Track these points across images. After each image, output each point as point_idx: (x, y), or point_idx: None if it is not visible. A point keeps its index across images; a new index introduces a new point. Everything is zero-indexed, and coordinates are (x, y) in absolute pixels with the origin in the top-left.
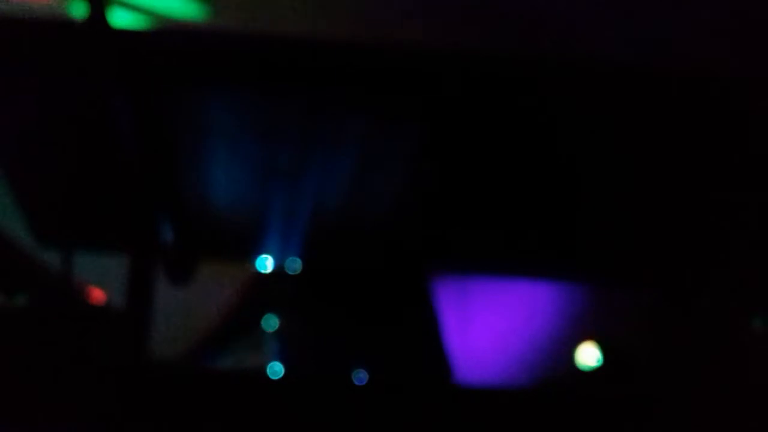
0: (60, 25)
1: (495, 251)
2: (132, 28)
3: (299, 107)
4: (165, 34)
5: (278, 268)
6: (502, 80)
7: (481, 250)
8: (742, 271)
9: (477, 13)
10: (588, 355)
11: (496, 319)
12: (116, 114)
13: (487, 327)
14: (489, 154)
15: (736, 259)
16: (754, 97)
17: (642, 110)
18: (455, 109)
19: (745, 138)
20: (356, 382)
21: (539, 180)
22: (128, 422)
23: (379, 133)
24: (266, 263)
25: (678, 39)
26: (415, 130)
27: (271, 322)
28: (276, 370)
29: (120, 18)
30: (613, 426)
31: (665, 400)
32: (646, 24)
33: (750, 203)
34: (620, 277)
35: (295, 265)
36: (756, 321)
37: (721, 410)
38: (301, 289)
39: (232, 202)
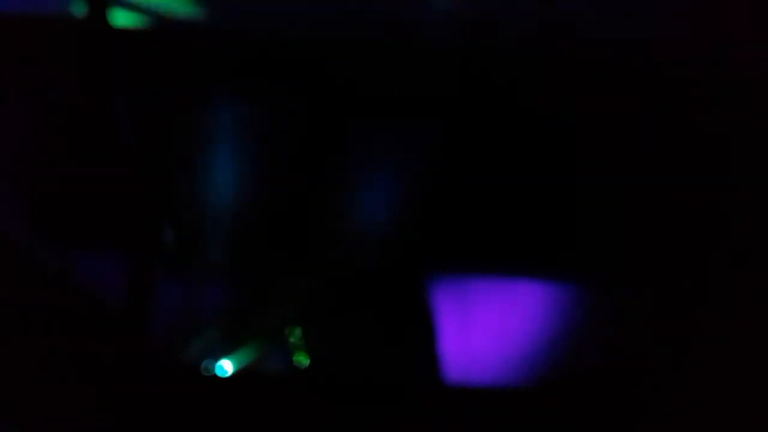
0: (60, 25)
1: (494, 251)
2: (132, 28)
3: (300, 107)
4: (165, 34)
5: (276, 273)
6: (501, 79)
7: (480, 250)
8: (743, 271)
9: (477, 10)
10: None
11: (496, 319)
12: (116, 114)
13: (487, 327)
14: (488, 153)
15: (736, 259)
16: (755, 96)
17: (642, 109)
18: (454, 108)
19: (746, 137)
20: (354, 382)
21: (539, 179)
22: (128, 422)
23: (377, 131)
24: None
25: (677, 38)
26: (413, 129)
27: (269, 323)
28: (220, 367)
29: (120, 17)
30: (613, 426)
31: (665, 401)
32: (646, 22)
33: (751, 203)
34: (620, 277)
35: None
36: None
37: (721, 411)
38: (299, 290)
39: (233, 201)
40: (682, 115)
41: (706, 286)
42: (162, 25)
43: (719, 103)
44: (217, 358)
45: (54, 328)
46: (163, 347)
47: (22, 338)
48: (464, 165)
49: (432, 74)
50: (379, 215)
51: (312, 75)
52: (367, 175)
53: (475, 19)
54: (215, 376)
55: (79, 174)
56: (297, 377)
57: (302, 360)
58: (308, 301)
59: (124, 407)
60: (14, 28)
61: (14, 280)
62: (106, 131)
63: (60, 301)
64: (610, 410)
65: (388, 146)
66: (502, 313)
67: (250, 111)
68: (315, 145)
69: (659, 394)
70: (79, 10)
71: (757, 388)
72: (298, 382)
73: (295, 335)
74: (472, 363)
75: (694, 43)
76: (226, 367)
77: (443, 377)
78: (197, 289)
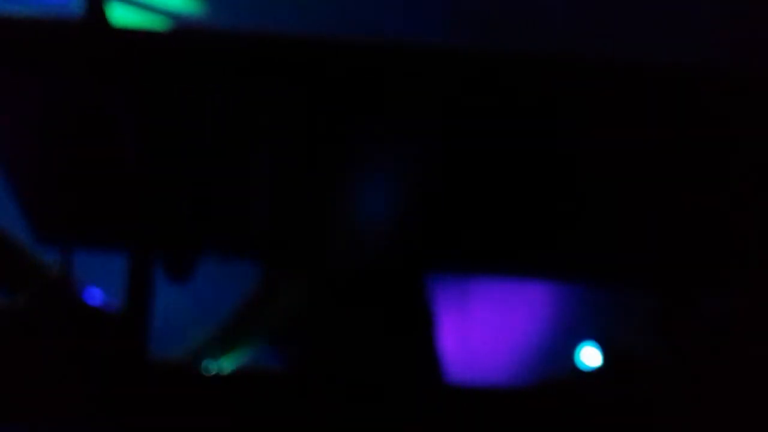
0: (60, 25)
1: (494, 251)
2: (132, 28)
3: (299, 107)
4: (165, 34)
5: (276, 272)
6: (501, 80)
7: (480, 250)
8: (743, 271)
9: (477, 11)
10: (588, 356)
11: (496, 319)
12: (116, 114)
13: (487, 327)
14: (488, 153)
15: (736, 259)
16: (754, 96)
17: (642, 110)
18: (454, 109)
19: (745, 137)
20: (356, 383)
21: (539, 180)
22: (128, 422)
23: (377, 133)
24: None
25: (677, 38)
26: (413, 129)
27: (269, 323)
28: (221, 367)
29: (120, 15)
30: (613, 426)
31: (666, 401)
32: (646, 24)
33: (751, 202)
34: (620, 277)
35: None
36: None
37: (721, 411)
38: (300, 290)
39: (233, 201)
40: (682, 115)
41: (706, 285)
42: (163, 25)
43: (719, 103)
44: (217, 358)
45: (54, 328)
46: (163, 347)
47: (22, 338)
48: (464, 165)
49: (432, 74)
50: (379, 215)
51: (313, 75)
52: (367, 175)
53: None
54: (215, 376)
55: (79, 174)
56: (297, 377)
57: (301, 360)
58: (308, 301)
59: (124, 407)
60: (15, 28)
61: (14, 280)
62: (107, 131)
63: (60, 301)
64: (610, 410)
65: (388, 146)
66: (502, 314)
67: (250, 111)
68: (315, 145)
69: (660, 394)
70: (80, 10)
71: (758, 389)
72: (298, 382)
73: (295, 335)
74: (473, 363)
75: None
76: (225, 367)
77: (443, 377)
78: (197, 289)
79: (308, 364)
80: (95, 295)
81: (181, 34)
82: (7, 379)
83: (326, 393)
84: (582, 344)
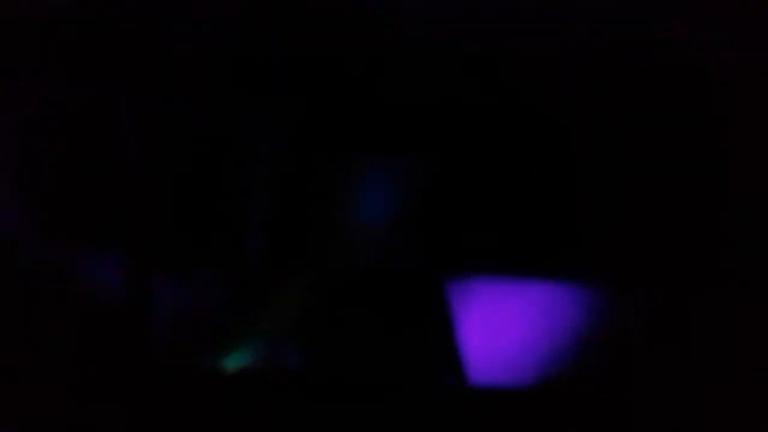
0: (60, 25)
1: (496, 252)
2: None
3: (301, 108)
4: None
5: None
6: (503, 80)
7: (482, 250)
8: (742, 271)
9: (477, 10)
10: (577, 355)
11: (497, 319)
12: (116, 114)
13: (488, 327)
14: (490, 154)
15: (736, 259)
16: (752, 96)
17: (642, 110)
18: (456, 110)
19: (744, 137)
20: (364, 383)
21: (540, 180)
22: (128, 422)
23: (381, 134)
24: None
25: (677, 37)
26: (418, 130)
27: (281, 322)
28: (221, 366)
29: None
30: (614, 426)
31: (665, 400)
32: (646, 22)
33: (750, 202)
34: (620, 277)
35: None
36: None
37: (721, 410)
38: (300, 290)
39: (234, 201)
40: (682, 113)
41: (715, 288)
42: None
43: (718, 101)
44: (218, 358)
45: (54, 327)
46: (163, 347)
47: (22, 338)
48: (476, 165)
49: (446, 75)
50: (385, 216)
51: (315, 76)
52: (374, 175)
53: (475, 18)
54: (216, 375)
55: (79, 174)
56: (296, 377)
57: (302, 359)
58: (309, 301)
59: (125, 407)
60: (14, 28)
61: (14, 280)
62: (107, 131)
63: (60, 300)
64: (610, 410)
65: (397, 146)
66: (504, 314)
67: (251, 110)
68: (322, 144)
69: (659, 393)
70: (80, 10)
71: (758, 389)
72: (297, 382)
73: (295, 335)
74: (474, 363)
75: (692, 42)
76: (226, 366)
77: (447, 377)
78: (197, 289)
79: (314, 364)
80: (100, 297)
81: (181, 35)
82: (7, 379)
83: (326, 393)
84: (578, 344)
